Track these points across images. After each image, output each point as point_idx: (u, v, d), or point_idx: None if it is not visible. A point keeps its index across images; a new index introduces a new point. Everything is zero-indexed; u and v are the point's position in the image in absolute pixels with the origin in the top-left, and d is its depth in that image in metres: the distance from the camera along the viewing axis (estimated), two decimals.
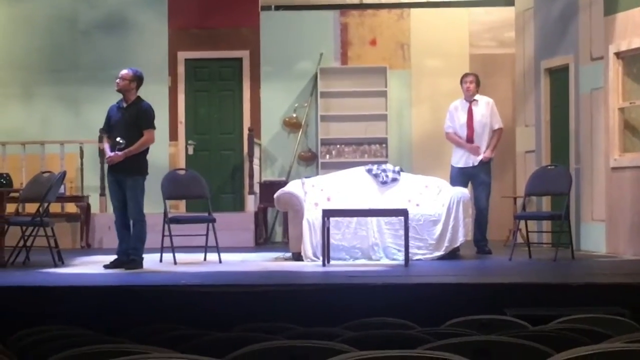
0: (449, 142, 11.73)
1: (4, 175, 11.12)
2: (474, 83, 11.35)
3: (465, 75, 11.56)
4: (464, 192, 10.98)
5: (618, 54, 11.19)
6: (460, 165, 11.35)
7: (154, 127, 10.09)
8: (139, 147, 9.88)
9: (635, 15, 10.87)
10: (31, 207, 10.93)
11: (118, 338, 4.49)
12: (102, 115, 10.21)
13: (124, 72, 10.05)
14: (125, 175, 9.88)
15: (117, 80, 9.94)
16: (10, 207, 11.10)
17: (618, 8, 11.16)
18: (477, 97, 11.35)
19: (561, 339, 4.10)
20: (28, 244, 10.52)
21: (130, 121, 9.92)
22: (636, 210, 10.65)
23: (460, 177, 11.31)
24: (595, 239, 11.56)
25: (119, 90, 9.96)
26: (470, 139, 11.26)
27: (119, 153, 9.76)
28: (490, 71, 13.31)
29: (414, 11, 14.30)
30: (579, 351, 3.17)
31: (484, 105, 11.36)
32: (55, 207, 12.07)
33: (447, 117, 11.58)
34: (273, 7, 14.28)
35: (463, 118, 11.35)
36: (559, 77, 12.46)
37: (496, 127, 11.40)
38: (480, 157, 11.20)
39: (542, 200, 12.20)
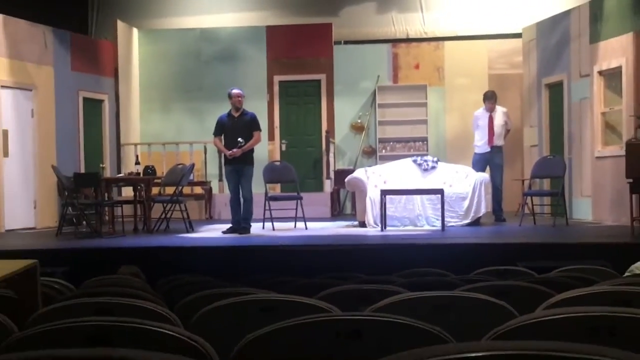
0: (470, 137, 11.94)
1: (150, 167, 11.27)
2: (491, 102, 11.32)
3: (485, 97, 11.44)
4: (485, 176, 10.94)
5: (600, 72, 11.07)
6: (481, 151, 11.30)
7: (261, 130, 10.27)
8: (252, 145, 10.01)
9: (613, 43, 10.76)
10: (169, 190, 11.09)
11: (233, 284, 4.53)
12: None
13: (239, 91, 10.16)
14: (242, 165, 9.98)
15: (240, 99, 10.07)
16: (155, 190, 11.25)
17: (600, 38, 11.06)
18: (495, 109, 11.34)
19: (560, 284, 4.05)
20: (168, 216, 10.70)
21: (244, 126, 10.02)
22: (614, 189, 10.48)
23: (480, 162, 11.26)
24: (583, 210, 11.41)
25: (238, 106, 10.06)
26: (491, 139, 11.20)
27: (239, 150, 9.86)
28: (503, 87, 13.16)
29: (447, 43, 14.19)
30: (573, 292, 3.15)
31: (500, 115, 11.33)
32: (186, 190, 12.21)
33: (473, 120, 11.63)
34: (342, 42, 14.28)
35: (483, 123, 11.31)
36: (555, 90, 12.33)
37: (509, 127, 11.44)
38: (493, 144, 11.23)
39: (544, 182, 12.05)
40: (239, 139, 9.86)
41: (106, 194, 10.62)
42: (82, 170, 12.25)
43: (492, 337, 2.12)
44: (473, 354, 1.36)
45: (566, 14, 12.12)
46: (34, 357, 1.45)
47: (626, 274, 4.63)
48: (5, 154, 11.35)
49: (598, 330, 2.11)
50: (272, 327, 2.26)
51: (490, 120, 11.25)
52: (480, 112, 11.44)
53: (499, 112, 11.34)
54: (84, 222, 10.39)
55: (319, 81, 14.14)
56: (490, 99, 11.38)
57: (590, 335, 2.10)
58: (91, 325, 2.43)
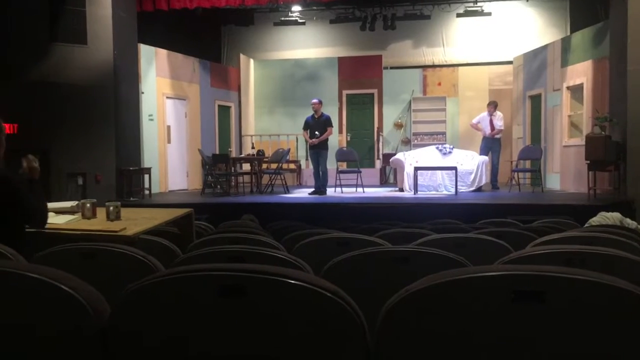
0: (475, 132, 11.64)
1: (261, 150, 11.39)
2: (492, 107, 10.94)
3: (489, 104, 11.09)
4: (485, 158, 10.71)
5: (568, 87, 10.74)
6: (487, 139, 10.88)
7: (332, 126, 10.16)
8: (324, 137, 9.96)
9: (577, 67, 10.44)
10: (274, 165, 11.19)
11: (316, 226, 4.56)
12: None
13: (316, 101, 10.12)
14: (320, 150, 9.97)
15: (318, 106, 10.01)
16: (264, 165, 11.37)
17: (568, 63, 10.73)
18: (494, 113, 10.97)
19: (539, 231, 3.96)
20: (272, 182, 10.80)
21: (320, 124, 9.99)
22: (576, 167, 10.20)
23: (485, 147, 10.94)
24: (554, 182, 11.10)
25: (316, 110, 10.04)
26: (492, 132, 10.82)
27: (316, 140, 9.87)
28: (499, 98, 12.77)
29: (460, 68, 13.85)
30: (550, 237, 3.06)
31: (498, 117, 10.92)
32: (284, 165, 12.26)
33: (478, 118, 11.18)
34: (389, 67, 14.08)
35: (485, 123, 10.94)
36: (536, 100, 11.96)
37: (502, 127, 10.98)
38: (494, 136, 10.85)
39: (526, 162, 11.69)
40: (316, 132, 9.87)
41: (232, 168, 10.80)
42: (217, 152, 12.44)
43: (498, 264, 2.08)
44: (489, 273, 1.33)
45: (544, 47, 11.75)
46: (193, 270, 1.48)
47: (585, 225, 4.48)
48: (169, 142, 11.66)
49: (571, 261, 2.05)
50: (347, 255, 2.26)
51: (491, 121, 10.93)
52: (485, 115, 11.07)
53: (497, 116, 10.99)
54: (219, 186, 10.58)
55: (373, 94, 13.99)
56: (490, 105, 11.06)
57: (566, 265, 2.04)
58: (227, 250, 2.47)
